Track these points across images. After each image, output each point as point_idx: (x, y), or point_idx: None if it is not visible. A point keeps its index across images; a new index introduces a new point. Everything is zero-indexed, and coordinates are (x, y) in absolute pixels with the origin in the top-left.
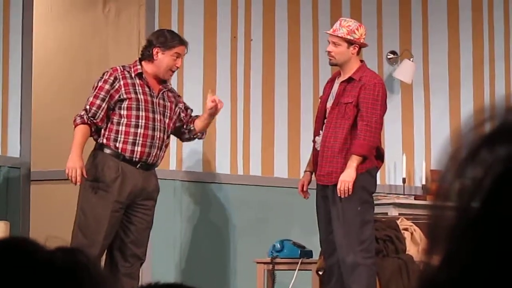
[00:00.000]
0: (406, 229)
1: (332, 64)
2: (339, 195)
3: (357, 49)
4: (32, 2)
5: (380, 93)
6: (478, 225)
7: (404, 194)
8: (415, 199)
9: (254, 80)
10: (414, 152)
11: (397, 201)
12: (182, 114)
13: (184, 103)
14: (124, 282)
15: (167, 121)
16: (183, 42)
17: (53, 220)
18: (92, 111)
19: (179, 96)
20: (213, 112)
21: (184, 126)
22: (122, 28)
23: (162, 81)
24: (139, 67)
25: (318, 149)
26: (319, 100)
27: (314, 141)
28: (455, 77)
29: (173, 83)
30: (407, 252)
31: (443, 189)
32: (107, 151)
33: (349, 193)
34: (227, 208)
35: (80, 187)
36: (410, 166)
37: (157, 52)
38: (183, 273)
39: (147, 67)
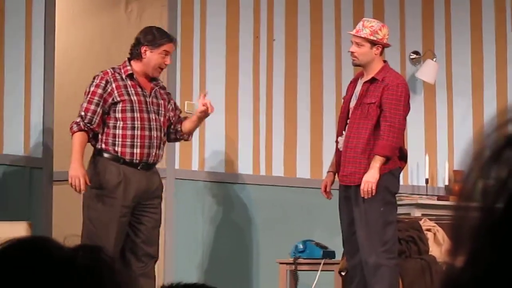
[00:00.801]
0: (429, 230)
1: (355, 65)
2: (362, 196)
3: (380, 49)
4: (54, 2)
5: (403, 93)
6: (503, 225)
7: (427, 195)
8: (438, 199)
9: (277, 81)
10: (437, 153)
11: (420, 201)
12: (171, 114)
13: (175, 102)
14: (141, 282)
15: (162, 119)
16: (171, 40)
17: (75, 220)
18: (88, 117)
19: (169, 93)
20: (203, 116)
21: (172, 127)
22: None
23: (153, 79)
24: (129, 67)
25: (341, 149)
26: (342, 100)
27: (337, 142)
28: (478, 77)
29: (195, 83)
30: (430, 253)
31: (466, 190)
32: (106, 155)
33: (373, 194)
34: (249, 208)
35: (84, 195)
36: (433, 166)
37: (145, 51)
38: (205, 273)
39: (136, 66)
